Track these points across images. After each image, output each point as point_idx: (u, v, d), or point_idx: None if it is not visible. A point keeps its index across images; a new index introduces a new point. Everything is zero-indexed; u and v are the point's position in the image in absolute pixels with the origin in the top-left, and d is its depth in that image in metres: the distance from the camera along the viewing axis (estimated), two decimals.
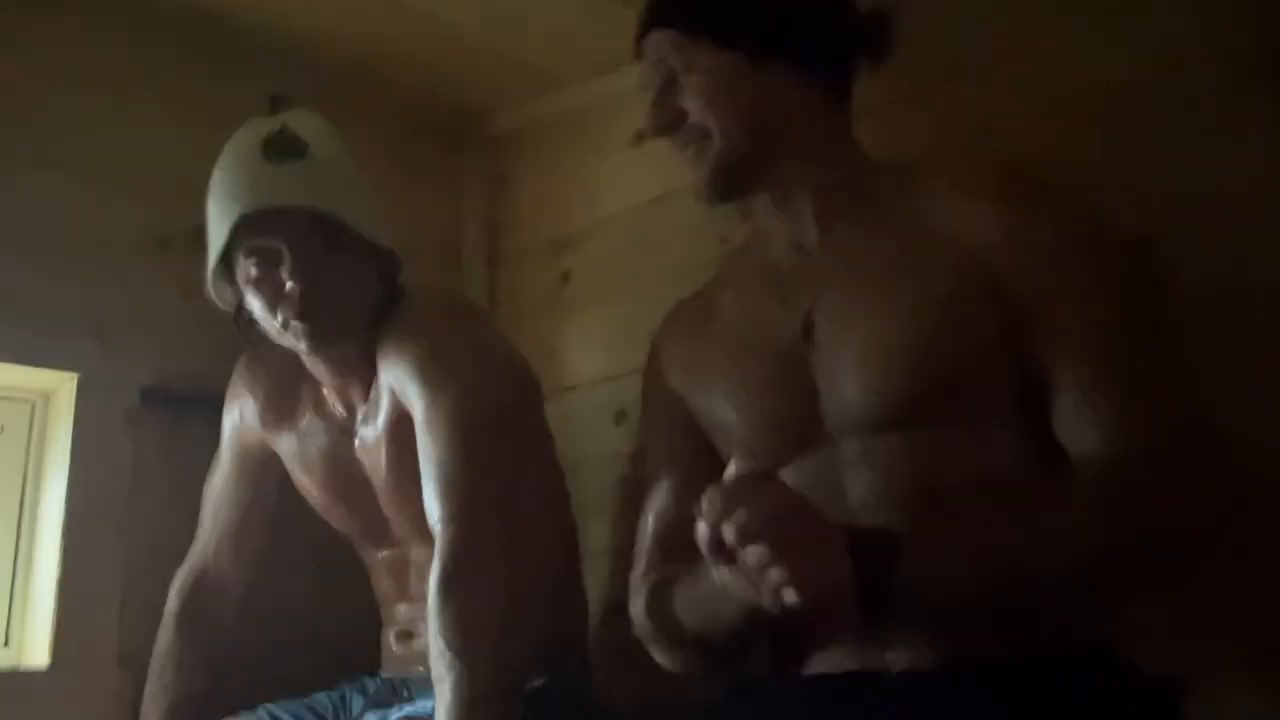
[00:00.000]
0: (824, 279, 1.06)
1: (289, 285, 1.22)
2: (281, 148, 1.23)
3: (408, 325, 1.29)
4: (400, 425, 1.28)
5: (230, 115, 1.31)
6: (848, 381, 1.00)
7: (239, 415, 1.42)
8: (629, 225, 1.73)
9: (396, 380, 1.27)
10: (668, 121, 1.09)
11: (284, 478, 1.42)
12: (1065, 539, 0.86)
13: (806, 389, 1.03)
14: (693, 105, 1.07)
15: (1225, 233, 1.15)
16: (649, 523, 1.15)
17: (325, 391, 1.38)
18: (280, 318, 1.25)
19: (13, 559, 1.43)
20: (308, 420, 1.39)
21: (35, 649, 1.39)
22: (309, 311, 1.23)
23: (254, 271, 1.24)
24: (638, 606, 1.12)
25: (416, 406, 1.24)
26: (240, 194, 1.23)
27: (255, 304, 1.26)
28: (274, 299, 1.24)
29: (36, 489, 1.45)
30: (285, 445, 1.40)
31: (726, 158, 1.07)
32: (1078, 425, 0.92)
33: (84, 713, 1.37)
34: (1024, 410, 0.96)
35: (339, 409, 1.37)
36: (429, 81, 1.79)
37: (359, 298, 1.29)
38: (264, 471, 1.42)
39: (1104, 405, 0.91)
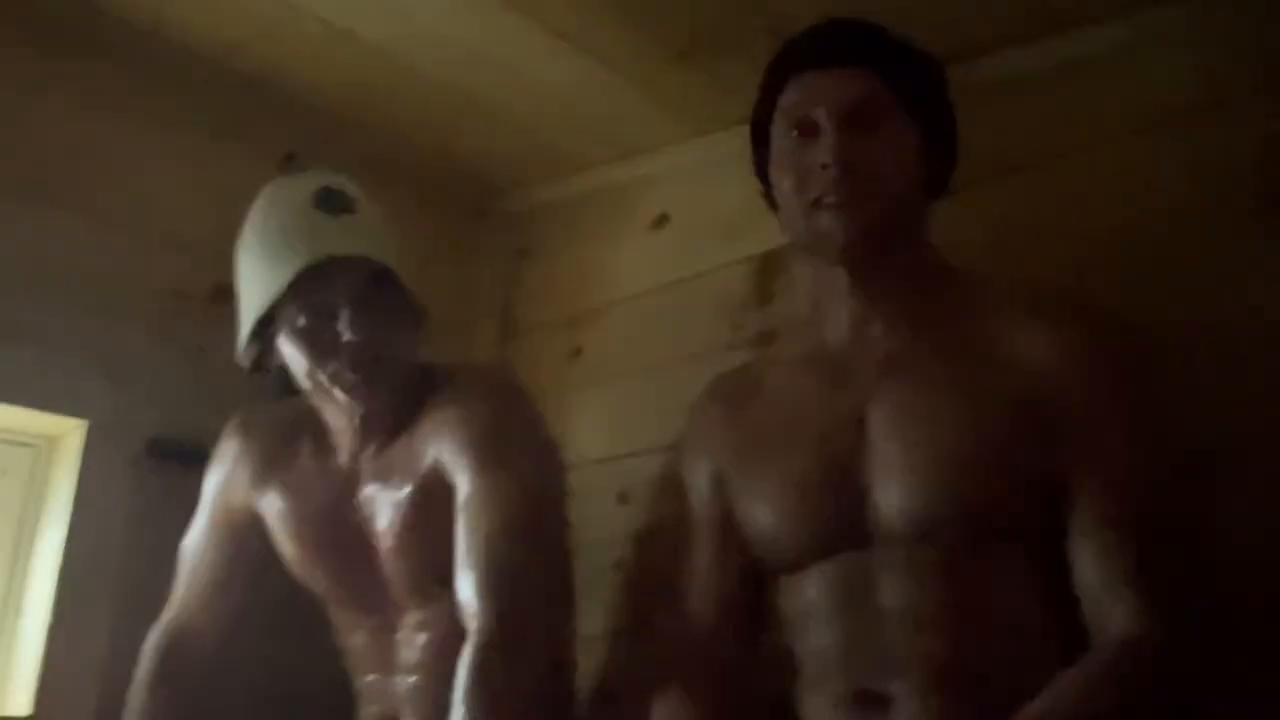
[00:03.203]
0: (883, 373, 1.05)
1: (346, 337, 1.23)
2: (334, 202, 1.25)
3: (464, 398, 1.29)
4: (433, 492, 1.27)
5: (251, 175, 1.33)
6: (898, 487, 0.99)
7: (228, 472, 1.40)
8: (644, 307, 1.74)
9: (446, 453, 1.26)
10: (855, 158, 1.02)
11: (265, 540, 1.39)
12: None
13: (853, 489, 1.02)
14: (876, 157, 1.03)
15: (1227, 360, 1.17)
16: (673, 618, 1.15)
17: (333, 441, 1.36)
18: (331, 370, 1.25)
19: (1, 605, 1.42)
20: (305, 475, 1.37)
21: (18, 697, 1.37)
22: (362, 363, 1.24)
23: (303, 323, 1.24)
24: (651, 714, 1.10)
25: (465, 483, 1.23)
26: (299, 245, 1.23)
27: (300, 357, 1.26)
28: (326, 352, 1.24)
29: (33, 535, 1.45)
30: (273, 503, 1.37)
31: (884, 222, 1.03)
32: (1098, 593, 0.93)
33: None
34: (1052, 544, 0.96)
35: (344, 461, 1.35)
36: (452, 151, 1.81)
37: (404, 353, 1.31)
38: (246, 532, 1.40)
39: (1125, 587, 0.92)
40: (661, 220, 1.74)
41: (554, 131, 1.74)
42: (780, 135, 1.08)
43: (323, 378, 1.26)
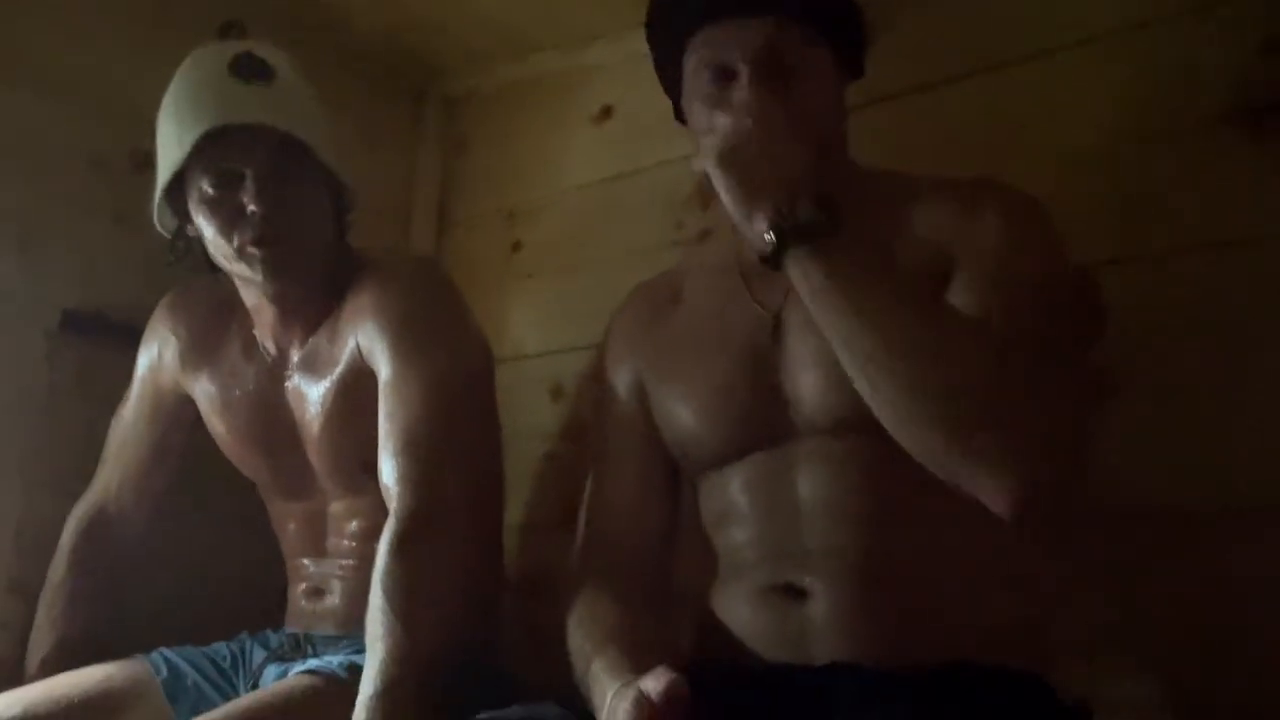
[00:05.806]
0: None
1: (250, 209, 1.19)
2: (249, 68, 1.20)
3: (385, 285, 1.26)
4: (356, 380, 1.25)
5: (180, 40, 1.27)
6: (811, 385, 1.00)
7: (157, 353, 1.38)
8: (585, 202, 1.70)
9: (366, 338, 1.24)
10: (775, 115, 0.98)
11: (196, 422, 1.38)
12: (946, 350, 0.90)
13: (770, 390, 1.02)
14: (802, 109, 0.99)
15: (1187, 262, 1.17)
16: (594, 518, 1.15)
17: (257, 331, 1.34)
18: (236, 242, 1.21)
19: None
20: (233, 361, 1.35)
21: None
22: (268, 237, 1.20)
23: (210, 191, 1.20)
24: (569, 610, 1.10)
25: (387, 368, 1.22)
26: (205, 109, 1.19)
27: (208, 226, 1.22)
28: (231, 222, 1.20)
29: None
30: (203, 387, 1.36)
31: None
32: None
33: None
34: None
35: (271, 349, 1.33)
36: (395, 30, 1.74)
37: (319, 231, 1.27)
38: (176, 414, 1.38)
39: None
40: (606, 113, 1.70)
41: (502, 9, 1.67)
42: (692, 75, 1.06)
43: (230, 251, 1.22)
